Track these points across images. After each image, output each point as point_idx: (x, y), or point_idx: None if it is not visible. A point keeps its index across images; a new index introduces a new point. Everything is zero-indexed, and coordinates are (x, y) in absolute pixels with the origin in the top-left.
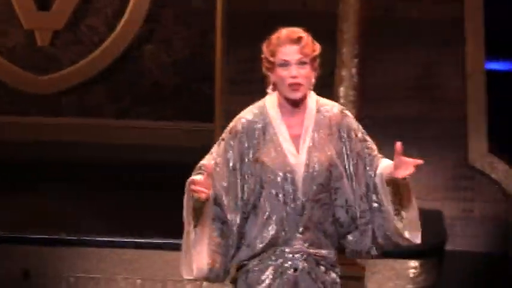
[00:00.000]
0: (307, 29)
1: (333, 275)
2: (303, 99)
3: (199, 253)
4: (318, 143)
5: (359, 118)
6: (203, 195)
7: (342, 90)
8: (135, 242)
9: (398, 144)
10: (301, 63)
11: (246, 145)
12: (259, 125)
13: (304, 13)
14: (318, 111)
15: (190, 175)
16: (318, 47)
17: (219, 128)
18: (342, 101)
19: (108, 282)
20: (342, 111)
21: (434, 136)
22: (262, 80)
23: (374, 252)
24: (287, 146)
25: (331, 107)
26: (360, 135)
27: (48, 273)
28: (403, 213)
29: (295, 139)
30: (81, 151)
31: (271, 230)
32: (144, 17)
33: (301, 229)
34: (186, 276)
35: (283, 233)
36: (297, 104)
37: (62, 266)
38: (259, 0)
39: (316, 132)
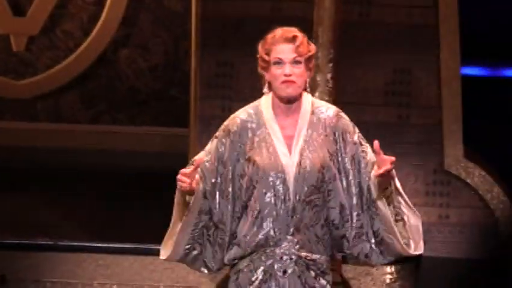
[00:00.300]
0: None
1: (323, 281)
2: (297, 99)
3: (181, 240)
4: (310, 144)
5: None
6: (185, 185)
7: (316, 96)
8: (112, 247)
9: (376, 143)
10: (296, 62)
11: (239, 144)
12: (253, 125)
13: (280, 18)
14: (313, 112)
15: (165, 180)
16: (313, 48)
17: (194, 133)
18: None
19: (84, 287)
20: (337, 114)
21: (410, 142)
22: (237, 85)
23: (376, 259)
24: (279, 146)
25: (326, 109)
26: (355, 138)
27: (24, 278)
28: (406, 219)
29: (288, 140)
30: (57, 156)
31: (262, 230)
32: (120, 21)
33: (291, 230)
34: (162, 256)
35: (273, 234)
36: (291, 104)
37: (39, 271)
38: (235, 5)
39: (310, 133)
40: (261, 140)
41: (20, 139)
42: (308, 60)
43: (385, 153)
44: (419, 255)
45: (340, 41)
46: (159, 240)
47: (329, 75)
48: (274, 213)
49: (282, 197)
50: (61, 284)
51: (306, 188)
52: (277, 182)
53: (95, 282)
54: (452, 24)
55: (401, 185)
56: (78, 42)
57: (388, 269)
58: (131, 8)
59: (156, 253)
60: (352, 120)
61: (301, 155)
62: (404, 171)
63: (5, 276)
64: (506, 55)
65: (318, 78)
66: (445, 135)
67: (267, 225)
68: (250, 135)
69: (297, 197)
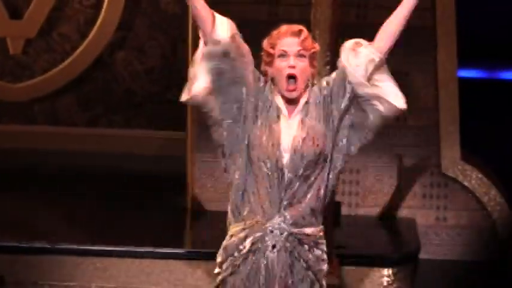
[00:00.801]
0: None
1: (317, 251)
2: (299, 97)
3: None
4: (307, 125)
5: None
6: None
7: None
8: (110, 249)
9: None
10: (300, 55)
11: (255, 91)
12: (266, 93)
13: (276, 22)
14: (309, 98)
15: (162, 183)
16: (317, 45)
17: (190, 137)
18: None
19: None
20: (321, 82)
21: (407, 144)
22: None
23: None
24: (283, 122)
25: (317, 88)
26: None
27: (23, 280)
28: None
29: (289, 120)
30: (54, 159)
31: (255, 200)
32: (117, 24)
33: (284, 204)
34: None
35: (267, 205)
36: (291, 101)
37: (37, 274)
38: (230, 9)
39: (306, 116)
40: (267, 110)
41: (17, 142)
42: (312, 56)
43: (382, 155)
44: (416, 258)
45: (337, 44)
46: (156, 243)
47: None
48: (269, 185)
49: (278, 172)
50: (59, 287)
51: (303, 164)
52: (275, 156)
53: (93, 284)
54: (449, 26)
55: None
56: (74, 45)
57: (386, 271)
58: (128, 11)
59: (154, 256)
60: None
61: (297, 134)
62: (402, 173)
63: (4, 278)
64: (503, 57)
65: (315, 81)
66: (442, 137)
67: (261, 196)
68: (261, 96)
69: (293, 173)
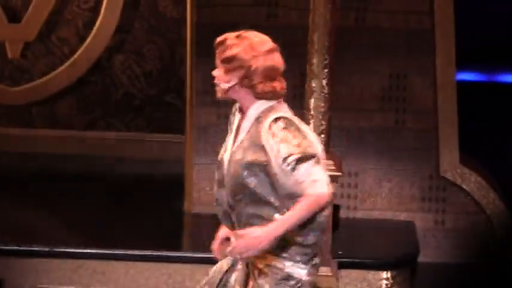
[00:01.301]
0: (274, 40)
1: (260, 281)
2: (242, 104)
3: None
4: (240, 148)
5: (330, 129)
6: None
7: (312, 102)
8: (108, 253)
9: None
10: (218, 64)
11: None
12: (235, 116)
13: (276, 24)
14: (258, 121)
15: (161, 186)
16: (233, 51)
17: (189, 140)
18: (312, 112)
19: None
20: (270, 126)
21: (405, 147)
22: None
23: None
24: (229, 142)
25: (266, 120)
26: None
27: (22, 283)
28: None
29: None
30: (52, 162)
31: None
32: (115, 27)
33: (234, 225)
34: None
35: (225, 223)
36: (241, 109)
37: (36, 277)
38: (230, 11)
39: (245, 138)
40: (229, 131)
41: (15, 145)
42: (225, 62)
43: (381, 158)
44: (415, 261)
45: (336, 47)
46: (155, 246)
47: (324, 81)
48: (222, 202)
49: (224, 191)
50: None
51: (233, 187)
52: (220, 175)
53: None
54: (447, 29)
55: (398, 191)
56: (73, 49)
57: (384, 274)
58: (126, 14)
59: (153, 259)
60: (347, 125)
61: (231, 156)
62: (400, 176)
63: (3, 281)
64: (501, 60)
65: (313, 84)
66: (440, 141)
67: (220, 212)
68: (232, 120)
69: (228, 193)
